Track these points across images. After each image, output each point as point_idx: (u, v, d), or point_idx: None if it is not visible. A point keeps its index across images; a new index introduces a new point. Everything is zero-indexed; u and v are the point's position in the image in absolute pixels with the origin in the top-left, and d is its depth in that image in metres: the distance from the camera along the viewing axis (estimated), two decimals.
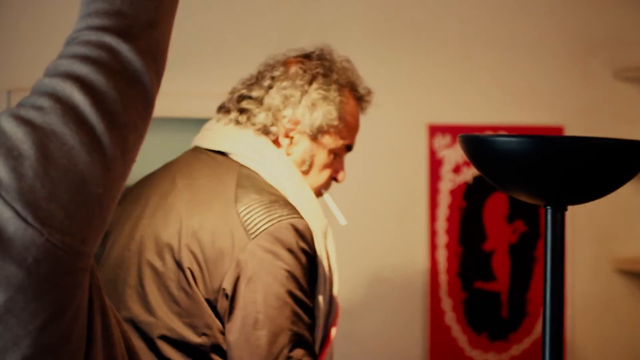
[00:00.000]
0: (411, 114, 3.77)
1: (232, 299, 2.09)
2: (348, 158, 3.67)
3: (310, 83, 2.30)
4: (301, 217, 2.16)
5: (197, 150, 2.34)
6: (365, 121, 3.70)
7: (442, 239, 3.81)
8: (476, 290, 3.88)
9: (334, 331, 2.33)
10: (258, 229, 2.11)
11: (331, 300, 2.30)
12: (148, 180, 2.35)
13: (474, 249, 3.87)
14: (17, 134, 1.16)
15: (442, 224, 3.81)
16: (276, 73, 2.31)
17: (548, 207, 1.29)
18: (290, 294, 2.09)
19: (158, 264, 2.16)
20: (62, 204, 1.16)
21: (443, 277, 3.81)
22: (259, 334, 2.08)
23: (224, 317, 2.11)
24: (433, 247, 3.80)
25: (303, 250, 2.13)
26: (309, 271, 2.15)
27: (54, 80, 1.22)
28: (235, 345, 2.09)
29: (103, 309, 1.30)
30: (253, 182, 2.21)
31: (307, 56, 2.36)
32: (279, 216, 2.12)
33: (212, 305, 2.11)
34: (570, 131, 3.97)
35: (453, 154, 3.81)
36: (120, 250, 2.24)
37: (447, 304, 3.82)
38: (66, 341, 1.21)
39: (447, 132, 3.80)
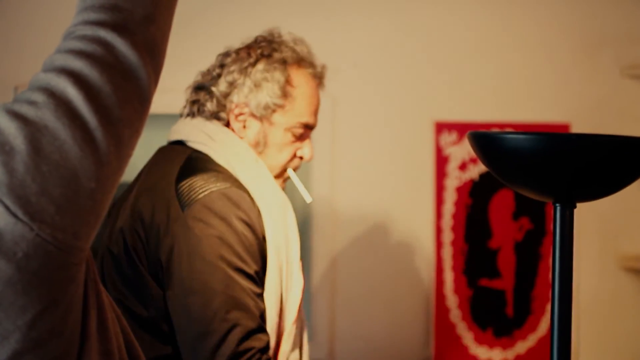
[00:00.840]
0: (418, 111, 3.77)
1: (167, 268, 2.14)
2: (355, 155, 3.67)
3: (254, 65, 2.32)
4: (239, 189, 2.19)
5: (165, 145, 2.41)
6: (372, 118, 3.71)
7: (448, 236, 3.81)
8: (481, 288, 3.88)
9: (295, 307, 2.32)
10: (191, 200, 2.15)
11: (288, 273, 2.31)
12: (135, 180, 2.42)
13: (479, 247, 3.87)
14: (10, 128, 1.16)
15: (447, 221, 3.81)
16: (227, 60, 2.35)
17: (557, 205, 1.29)
18: (222, 258, 2.12)
19: (114, 248, 2.24)
20: (53, 199, 1.15)
21: (448, 275, 3.81)
22: (193, 300, 2.11)
23: (164, 287, 2.16)
24: (439, 244, 3.80)
25: (239, 218, 2.15)
26: (248, 239, 2.16)
27: (48, 75, 1.21)
28: (173, 312, 2.14)
29: (99, 304, 1.30)
30: (199, 162, 2.26)
31: (256, 40, 2.39)
32: (213, 187, 2.16)
33: (154, 276, 2.17)
34: (576, 128, 3.97)
35: (459, 151, 3.81)
36: (100, 248, 2.33)
37: (452, 301, 3.82)
38: (57, 335, 1.21)
39: (453, 129, 3.80)
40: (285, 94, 2.32)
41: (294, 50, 2.37)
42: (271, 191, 2.30)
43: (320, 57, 3.60)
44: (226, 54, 2.38)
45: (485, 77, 3.87)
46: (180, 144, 2.35)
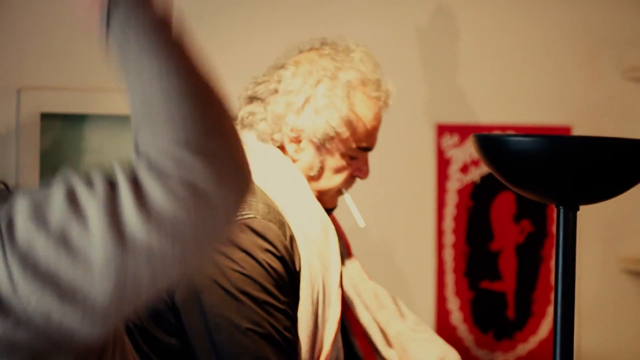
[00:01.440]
0: (419, 114, 3.77)
1: (188, 306, 2.05)
2: None
3: (315, 85, 2.20)
4: (262, 217, 2.08)
5: None
6: None
7: (449, 238, 3.82)
8: (482, 290, 3.88)
9: (329, 340, 2.22)
10: None
11: (325, 305, 2.22)
12: None
13: (480, 249, 3.87)
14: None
15: (449, 224, 3.81)
16: (285, 74, 2.22)
17: (560, 207, 1.29)
18: (246, 294, 2.03)
19: None
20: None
21: (450, 277, 3.82)
22: (219, 338, 2.03)
23: (187, 325, 2.07)
24: (440, 247, 3.80)
25: (264, 250, 2.06)
26: (275, 270, 2.07)
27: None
28: (201, 352, 2.05)
29: None
30: None
31: (318, 51, 2.26)
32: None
33: (176, 312, 2.08)
34: (577, 131, 3.97)
35: (461, 153, 3.81)
36: None
37: (453, 303, 3.82)
38: None
39: (455, 131, 3.81)
40: (346, 123, 2.22)
41: (359, 71, 2.25)
42: (310, 213, 2.21)
43: None
44: (283, 64, 2.24)
45: (486, 80, 3.87)
46: None
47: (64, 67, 3.25)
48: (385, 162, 3.72)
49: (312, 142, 2.22)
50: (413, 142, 3.76)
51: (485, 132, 3.81)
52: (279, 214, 2.13)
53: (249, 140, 2.22)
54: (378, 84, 2.29)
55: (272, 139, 2.22)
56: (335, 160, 2.26)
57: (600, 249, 4.10)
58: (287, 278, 2.11)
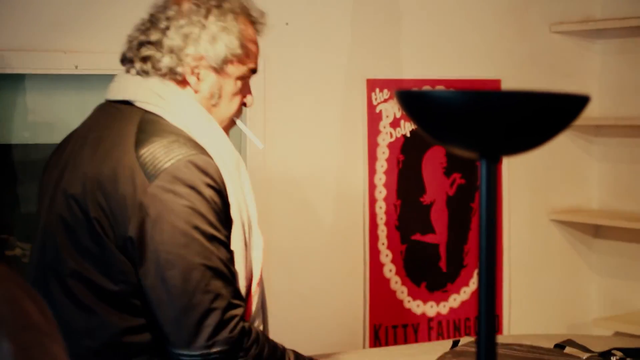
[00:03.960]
0: (350, 69, 3.78)
1: (140, 243, 2.10)
2: (287, 113, 3.68)
3: (206, 17, 2.27)
4: (201, 154, 2.16)
5: (105, 104, 2.34)
6: (304, 76, 3.71)
7: (381, 192, 3.84)
8: (415, 242, 3.92)
9: (258, 267, 2.33)
10: (157, 170, 2.11)
11: (250, 232, 2.31)
12: (66, 141, 2.37)
13: (412, 202, 3.91)
14: None
15: (380, 177, 3.84)
16: (170, 13, 2.28)
17: (482, 159, 1.31)
18: (197, 229, 2.09)
19: (67, 216, 2.18)
20: None
21: (382, 230, 3.85)
22: (171, 274, 2.08)
23: (136, 262, 2.12)
24: (372, 200, 3.83)
25: (208, 185, 2.12)
26: (218, 205, 2.15)
27: None
28: (151, 288, 2.11)
29: None
30: (155, 125, 2.21)
31: None
32: (177, 155, 2.12)
33: (123, 251, 2.12)
34: (507, 84, 4.02)
35: (391, 108, 3.84)
36: (44, 213, 2.27)
37: (386, 256, 3.86)
38: None
39: (385, 86, 3.82)
40: (241, 45, 2.30)
41: (238, 0, 2.35)
42: (228, 150, 2.28)
43: None
44: (164, 6, 2.31)
45: (416, 35, 3.90)
46: (125, 103, 2.28)
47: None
48: (317, 117, 3.74)
49: (212, 68, 2.29)
50: (343, 97, 3.78)
51: (414, 88, 3.85)
52: (204, 149, 2.21)
53: (157, 88, 2.28)
54: (255, 10, 2.41)
55: (176, 73, 2.27)
56: (231, 85, 2.33)
57: (530, 200, 4.17)
58: (224, 211, 2.18)
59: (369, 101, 3.81)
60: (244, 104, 2.39)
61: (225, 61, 2.29)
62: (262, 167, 3.60)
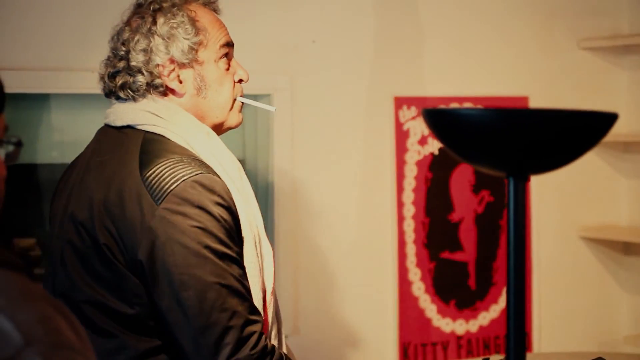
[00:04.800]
0: (377, 87, 3.78)
1: (151, 266, 2.09)
2: (315, 131, 3.68)
3: (154, 23, 2.28)
4: (206, 172, 2.15)
5: (106, 127, 2.34)
6: (331, 94, 3.72)
7: (409, 209, 3.84)
8: (443, 260, 3.91)
9: (270, 275, 2.32)
10: (164, 192, 2.10)
11: (260, 243, 2.30)
12: (72, 167, 2.37)
13: (440, 220, 3.90)
14: None
15: (408, 195, 3.83)
16: (124, 36, 2.29)
17: (510, 178, 1.31)
18: (208, 248, 2.09)
19: (77, 242, 2.18)
20: None
21: (411, 248, 3.84)
22: (187, 295, 2.08)
23: (148, 284, 2.11)
24: (400, 219, 3.82)
25: (216, 203, 2.12)
26: (227, 222, 2.14)
27: None
28: (168, 310, 2.10)
29: None
30: (157, 145, 2.21)
31: (139, 5, 2.34)
32: (182, 176, 2.11)
33: (135, 274, 2.12)
34: (535, 101, 4.00)
35: (419, 125, 3.83)
36: (55, 239, 2.28)
37: (415, 274, 3.85)
38: None
39: (412, 104, 3.82)
40: (197, 29, 2.29)
41: None
42: (228, 157, 2.28)
43: (278, 33, 3.61)
44: (119, 32, 2.33)
45: (443, 52, 3.89)
46: (126, 128, 2.29)
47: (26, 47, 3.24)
48: (344, 134, 3.74)
49: (185, 64, 2.30)
50: (371, 115, 3.77)
51: (441, 105, 3.84)
52: (209, 166, 2.20)
53: (149, 107, 2.29)
54: None
55: (156, 86, 2.28)
56: (212, 70, 2.32)
57: (559, 217, 4.14)
58: (235, 227, 2.18)
59: (396, 119, 3.81)
60: (240, 81, 2.38)
61: (191, 51, 2.28)
62: (289, 186, 3.61)
